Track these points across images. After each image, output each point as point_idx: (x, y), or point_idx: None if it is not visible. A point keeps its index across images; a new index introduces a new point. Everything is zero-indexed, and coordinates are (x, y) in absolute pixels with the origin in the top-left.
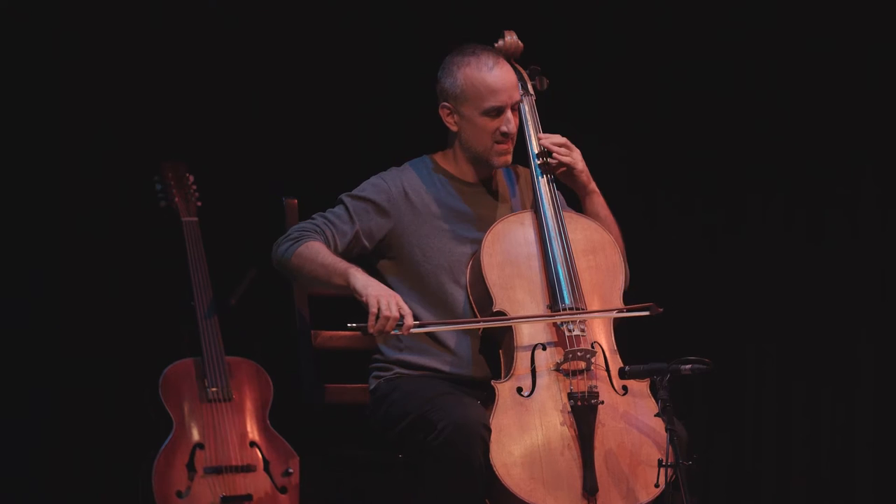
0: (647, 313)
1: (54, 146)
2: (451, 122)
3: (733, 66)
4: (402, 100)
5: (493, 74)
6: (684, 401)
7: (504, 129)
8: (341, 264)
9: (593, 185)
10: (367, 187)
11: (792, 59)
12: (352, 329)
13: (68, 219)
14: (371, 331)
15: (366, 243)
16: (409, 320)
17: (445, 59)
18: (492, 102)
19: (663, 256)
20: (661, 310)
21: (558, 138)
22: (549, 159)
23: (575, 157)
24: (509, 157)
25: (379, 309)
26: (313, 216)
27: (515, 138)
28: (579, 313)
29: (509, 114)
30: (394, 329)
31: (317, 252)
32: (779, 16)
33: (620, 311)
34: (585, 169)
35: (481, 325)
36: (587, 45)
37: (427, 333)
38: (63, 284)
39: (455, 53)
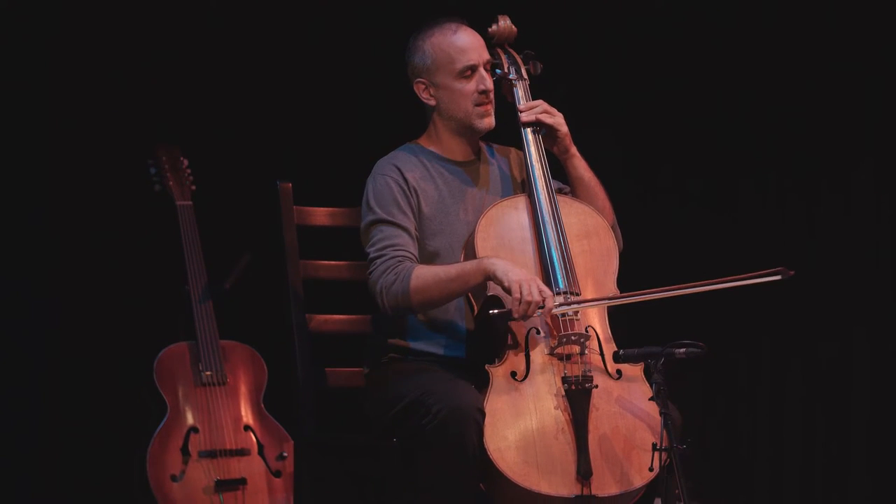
0: (777, 277)
1: (48, 130)
2: (427, 97)
3: (729, 55)
4: (395, 84)
5: (459, 36)
6: (679, 384)
7: (481, 86)
8: (469, 266)
9: (574, 149)
10: (382, 191)
11: (788, 43)
12: (494, 315)
13: (62, 203)
14: (515, 316)
15: (418, 236)
16: (550, 302)
17: (409, 41)
18: (464, 62)
19: (657, 240)
20: (793, 272)
21: (538, 103)
22: (535, 119)
23: (558, 120)
24: (492, 119)
25: (521, 295)
26: (374, 255)
27: (494, 98)
28: (702, 285)
29: (483, 71)
30: (536, 312)
31: (434, 273)
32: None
33: (747, 278)
34: (568, 132)
35: (629, 301)
36: (581, 30)
37: (423, 318)
38: (57, 269)
39: (416, 32)
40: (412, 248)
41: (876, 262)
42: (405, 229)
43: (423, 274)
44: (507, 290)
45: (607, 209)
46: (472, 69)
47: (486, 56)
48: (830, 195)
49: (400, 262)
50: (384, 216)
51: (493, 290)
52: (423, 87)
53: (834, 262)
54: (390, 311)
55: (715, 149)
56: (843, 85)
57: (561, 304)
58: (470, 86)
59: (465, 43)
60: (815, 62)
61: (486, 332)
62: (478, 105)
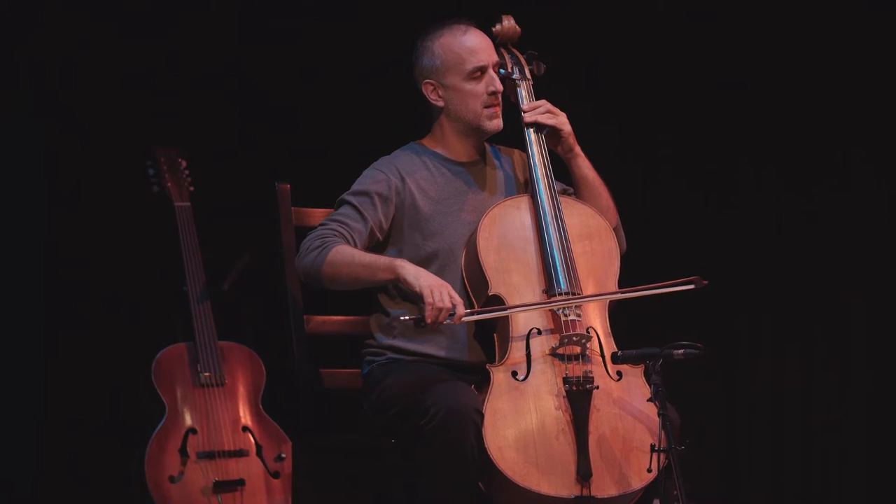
0: (691, 287)
1: (47, 131)
2: (435, 98)
3: (726, 43)
4: (393, 85)
5: (468, 37)
6: (678, 384)
7: (491, 88)
8: (382, 259)
9: (578, 149)
10: (366, 181)
11: (785, 32)
12: (406, 321)
13: (61, 204)
14: (427, 322)
15: (378, 236)
16: (461, 309)
17: (416, 42)
18: (474, 63)
19: (656, 237)
20: (706, 282)
21: (541, 103)
22: (537, 120)
23: (561, 120)
24: (500, 121)
25: (433, 300)
26: (323, 222)
27: (501, 100)
28: (622, 292)
29: (492, 73)
30: (446, 319)
31: (351, 254)
32: None
33: (663, 287)
34: (572, 132)
35: (535, 309)
36: (581, 25)
37: None
38: (55, 270)
39: (424, 33)
40: (358, 235)
41: (875, 261)
42: (364, 219)
43: (344, 250)
44: (418, 296)
45: (611, 209)
46: (482, 70)
47: (495, 57)
48: (829, 195)
49: (336, 235)
50: (352, 200)
51: (495, 290)
52: (432, 88)
53: (832, 262)
54: (302, 275)
55: (713, 148)
56: (844, 81)
57: (469, 313)
58: (479, 87)
59: (474, 44)
60: (814, 59)
61: (487, 331)
62: (487, 106)
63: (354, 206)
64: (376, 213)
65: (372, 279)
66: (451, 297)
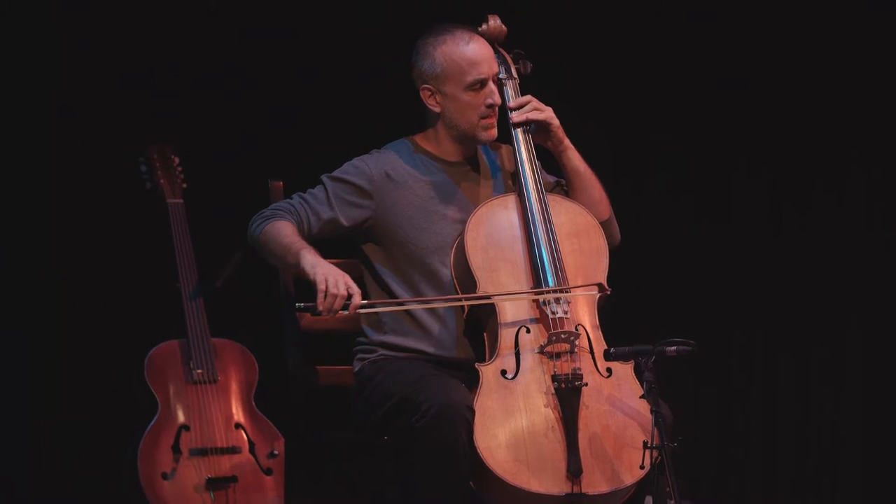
0: (594, 293)
1: (40, 128)
2: (433, 104)
3: (720, 47)
4: (387, 82)
5: (471, 48)
6: (669, 382)
7: (489, 101)
8: (296, 245)
9: (568, 141)
10: (349, 169)
11: (779, 39)
12: (300, 309)
13: (53, 201)
14: (319, 309)
15: (344, 223)
16: (357, 299)
17: (418, 43)
18: (474, 76)
19: (650, 237)
20: (609, 291)
21: (525, 99)
22: (526, 118)
23: (549, 115)
24: (495, 131)
25: (327, 287)
26: (293, 195)
27: (498, 111)
28: (556, 292)
29: (492, 85)
30: (341, 308)
31: (279, 231)
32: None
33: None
34: (560, 125)
35: (434, 306)
36: (570, 27)
37: (411, 316)
38: (48, 268)
39: (427, 35)
40: (315, 217)
41: (869, 259)
42: (330, 205)
43: (278, 226)
44: (313, 283)
45: (604, 201)
46: (482, 83)
47: (495, 69)
48: (825, 193)
49: (289, 212)
50: (328, 183)
51: (483, 289)
52: (430, 93)
53: (827, 260)
54: (248, 238)
55: (708, 147)
56: (839, 85)
57: (367, 304)
58: (478, 98)
59: (477, 55)
60: (809, 61)
61: (477, 330)
62: (483, 118)
63: (326, 190)
64: (347, 202)
65: (284, 260)
66: (347, 286)
